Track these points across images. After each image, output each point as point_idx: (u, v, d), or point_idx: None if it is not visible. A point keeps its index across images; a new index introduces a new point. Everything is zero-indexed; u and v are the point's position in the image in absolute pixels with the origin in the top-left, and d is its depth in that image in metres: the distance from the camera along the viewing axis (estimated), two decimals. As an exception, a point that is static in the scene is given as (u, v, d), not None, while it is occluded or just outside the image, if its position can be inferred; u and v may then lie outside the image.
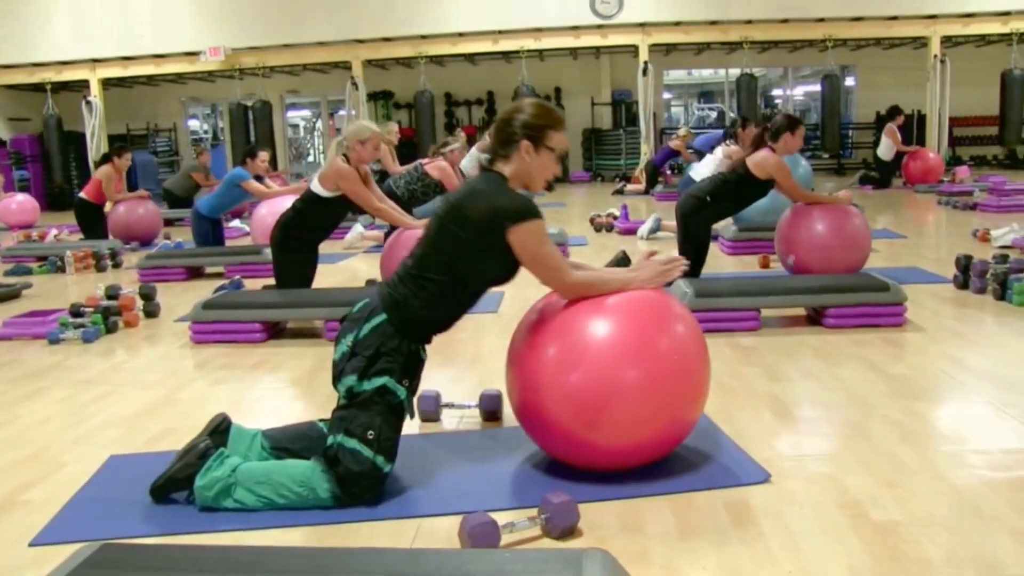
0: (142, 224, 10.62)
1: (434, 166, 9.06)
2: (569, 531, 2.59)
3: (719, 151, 9.17)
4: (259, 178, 9.07)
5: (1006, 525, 2.59)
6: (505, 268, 3.02)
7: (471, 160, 11.49)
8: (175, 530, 2.77)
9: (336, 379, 2.97)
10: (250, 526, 2.77)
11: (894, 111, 14.66)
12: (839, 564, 2.41)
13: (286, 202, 8.78)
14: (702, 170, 9.05)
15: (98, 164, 10.69)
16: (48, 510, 2.98)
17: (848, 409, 3.75)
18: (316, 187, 5.80)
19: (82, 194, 10.60)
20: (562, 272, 2.98)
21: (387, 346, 2.90)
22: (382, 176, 9.34)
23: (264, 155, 9.13)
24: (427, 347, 3.08)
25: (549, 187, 3.29)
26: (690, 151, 14.12)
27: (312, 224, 5.90)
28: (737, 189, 6.19)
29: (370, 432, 2.84)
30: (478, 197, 2.96)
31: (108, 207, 10.64)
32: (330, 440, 2.89)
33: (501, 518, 2.57)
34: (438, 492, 2.98)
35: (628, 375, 2.86)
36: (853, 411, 3.72)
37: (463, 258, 2.95)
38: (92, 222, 10.51)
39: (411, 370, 2.97)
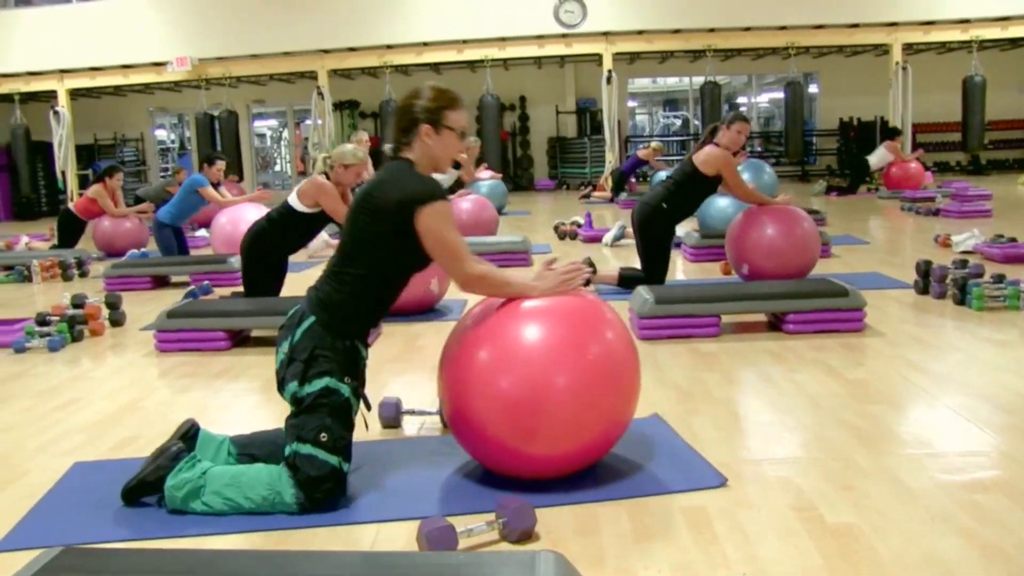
0: (128, 237, 10.54)
1: None
2: (526, 535, 2.62)
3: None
4: (216, 185, 9.08)
5: (957, 526, 2.65)
6: (420, 254, 3.02)
7: (447, 176, 11.55)
8: (141, 535, 2.78)
9: (280, 387, 3.00)
10: (215, 531, 2.79)
11: (894, 131, 14.84)
12: (792, 565, 2.46)
13: (246, 210, 8.89)
14: None
15: (91, 183, 10.77)
16: (11, 518, 2.98)
17: (805, 413, 3.80)
18: (294, 201, 5.89)
19: (71, 206, 10.71)
20: (463, 261, 2.97)
21: (321, 346, 2.92)
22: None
23: (220, 164, 9.20)
24: (368, 344, 3.12)
25: (456, 165, 3.29)
26: (660, 161, 14.37)
27: (284, 237, 6.00)
28: (689, 189, 6.28)
29: (322, 435, 2.87)
30: (386, 185, 2.99)
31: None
32: (287, 450, 2.91)
33: (459, 522, 2.60)
34: (398, 497, 3.00)
35: (557, 381, 2.86)
36: (810, 415, 3.77)
37: (377, 248, 2.97)
38: (71, 233, 10.60)
39: (351, 367, 2.98)
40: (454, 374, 3.01)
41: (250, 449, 3.14)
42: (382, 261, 2.99)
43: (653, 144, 15.17)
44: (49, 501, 3.12)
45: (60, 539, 2.65)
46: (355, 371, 3.00)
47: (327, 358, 2.92)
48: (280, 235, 5.95)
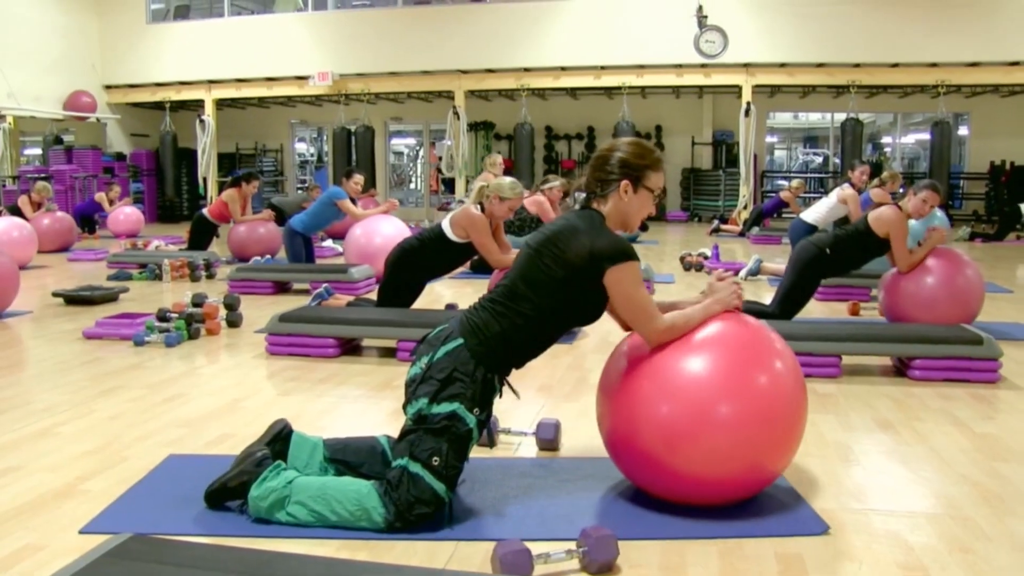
0: (261, 244, 10.70)
1: (532, 200, 9.19)
2: (607, 567, 2.49)
3: (834, 194, 9.18)
4: (354, 200, 9.22)
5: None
6: (592, 309, 3.00)
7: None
8: (217, 532, 2.76)
9: (408, 401, 2.92)
10: (288, 535, 2.75)
11: None
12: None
13: (381, 223, 8.97)
14: (814, 213, 9.18)
15: (227, 186, 11.03)
16: (103, 501, 3.05)
17: (925, 465, 3.55)
18: (446, 228, 5.90)
19: (204, 211, 10.98)
20: (651, 319, 2.91)
21: (461, 371, 2.84)
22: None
23: (358, 177, 9.33)
24: (504, 379, 3.02)
25: (644, 227, 3.20)
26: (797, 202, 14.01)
27: (431, 260, 6.02)
28: (856, 245, 6.00)
29: (435, 458, 2.78)
30: (579, 236, 2.91)
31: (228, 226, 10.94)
32: (395, 463, 2.83)
33: (538, 548, 2.49)
34: (480, 517, 2.91)
35: (719, 409, 2.81)
36: (930, 468, 3.52)
37: (553, 294, 2.91)
38: (201, 236, 10.84)
39: (484, 399, 2.89)
40: (618, 400, 2.98)
41: (343, 455, 3.08)
42: (552, 307, 2.93)
43: (794, 183, 14.68)
44: (139, 490, 3.16)
45: (141, 527, 2.66)
46: (486, 404, 2.92)
47: (464, 383, 2.83)
48: (428, 258, 5.98)
